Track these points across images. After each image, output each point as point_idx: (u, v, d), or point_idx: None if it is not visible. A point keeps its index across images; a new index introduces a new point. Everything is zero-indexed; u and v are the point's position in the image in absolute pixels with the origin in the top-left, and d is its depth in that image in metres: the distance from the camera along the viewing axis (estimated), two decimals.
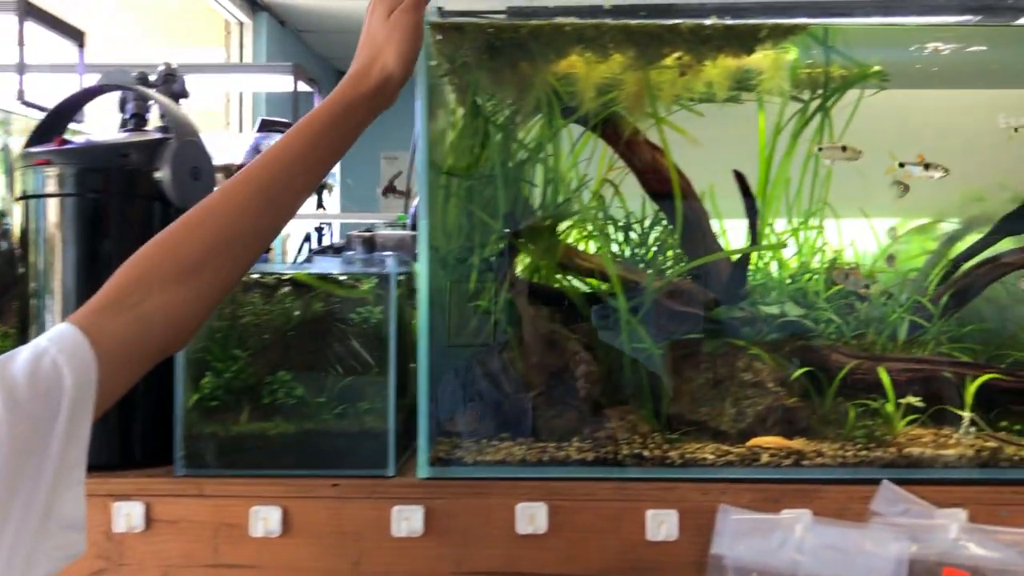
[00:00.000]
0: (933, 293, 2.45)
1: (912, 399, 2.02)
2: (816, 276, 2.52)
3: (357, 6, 2.27)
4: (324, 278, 2.08)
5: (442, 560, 1.92)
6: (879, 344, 2.32)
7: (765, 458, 1.97)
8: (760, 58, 2.17)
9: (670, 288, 2.25)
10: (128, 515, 1.94)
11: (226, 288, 1.50)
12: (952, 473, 1.94)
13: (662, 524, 1.91)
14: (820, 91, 2.49)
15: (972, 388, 2.02)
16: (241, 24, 11.24)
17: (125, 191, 2.07)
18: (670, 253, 2.48)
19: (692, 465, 1.97)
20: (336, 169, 4.12)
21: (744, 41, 1.96)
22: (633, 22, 1.93)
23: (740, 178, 2.16)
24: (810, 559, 1.74)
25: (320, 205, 3.44)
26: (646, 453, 1.99)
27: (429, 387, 1.95)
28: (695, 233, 2.42)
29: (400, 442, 2.04)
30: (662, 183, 2.39)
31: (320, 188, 3.50)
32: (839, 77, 2.44)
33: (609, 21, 1.93)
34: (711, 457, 1.98)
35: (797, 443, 2.03)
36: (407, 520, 1.92)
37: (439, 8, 2.21)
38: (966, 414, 2.00)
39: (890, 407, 2.04)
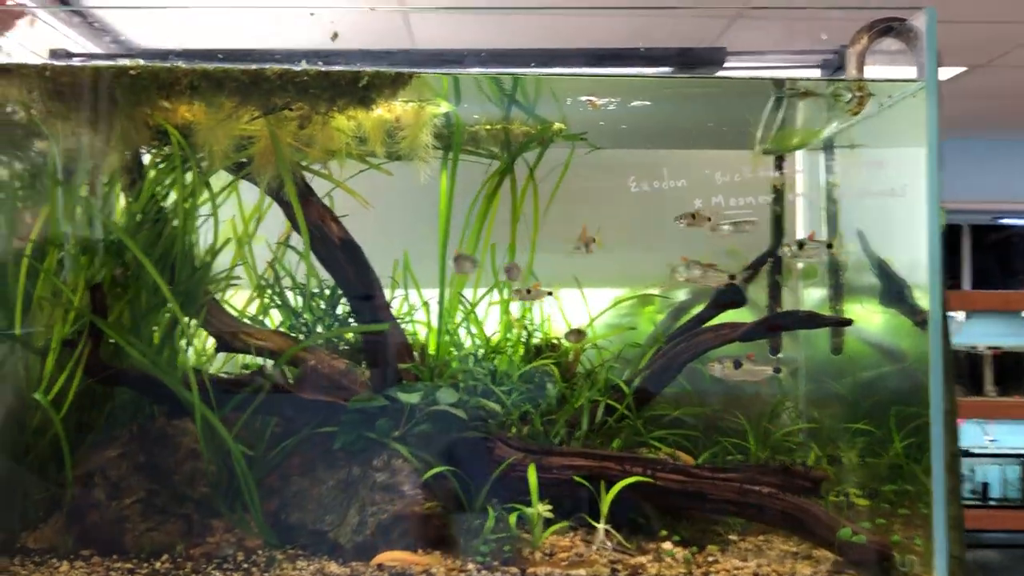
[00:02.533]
0: (631, 373, 2.20)
1: (541, 507, 1.72)
2: (499, 352, 2.25)
3: None
4: None
5: None
6: (556, 433, 2.04)
7: None
8: (401, 112, 1.90)
9: (304, 371, 1.94)
10: None
11: None
12: None
13: None
14: (503, 149, 2.26)
15: (609, 497, 1.73)
16: None
17: None
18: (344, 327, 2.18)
19: None
20: None
21: (348, 90, 1.68)
22: (211, 67, 1.64)
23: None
24: None
25: None
26: None
27: None
28: (363, 304, 2.13)
29: None
30: (328, 246, 2.10)
31: None
32: (522, 134, 2.20)
33: (182, 65, 1.64)
34: None
35: (421, 559, 1.71)
36: None
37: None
38: (601, 525, 1.71)
39: (532, 512, 1.75)
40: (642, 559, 1.71)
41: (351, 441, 1.86)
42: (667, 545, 1.79)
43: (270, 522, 1.83)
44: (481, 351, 2.23)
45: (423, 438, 1.91)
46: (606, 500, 1.73)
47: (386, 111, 1.92)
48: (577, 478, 1.80)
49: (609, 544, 1.70)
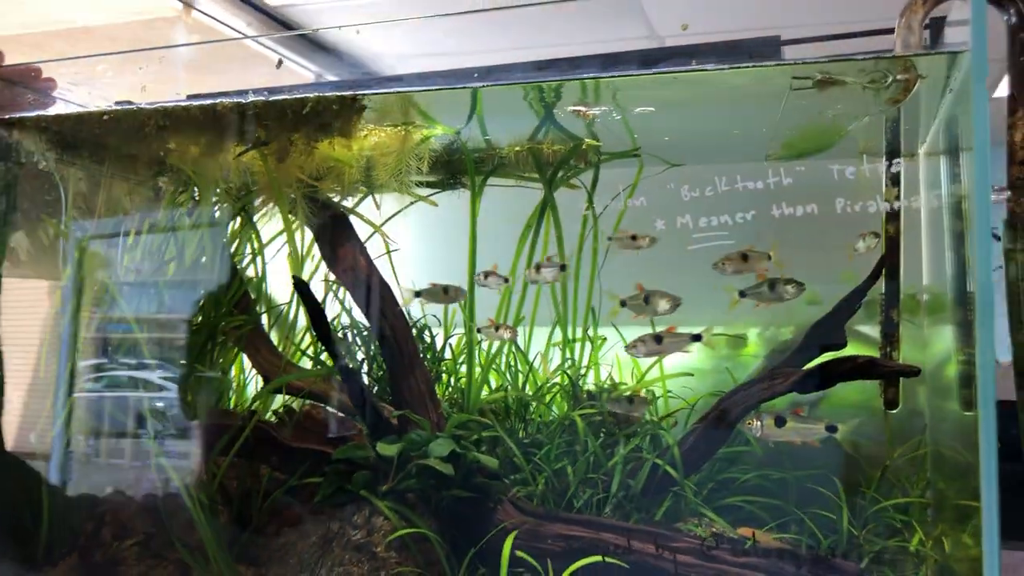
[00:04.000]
0: (690, 427, 1.84)
1: None
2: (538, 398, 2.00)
3: None
4: None
5: None
6: (573, 495, 1.75)
7: None
8: (387, 137, 1.77)
9: (298, 417, 1.85)
10: None
11: None
12: None
13: None
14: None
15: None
16: None
17: None
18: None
19: None
20: None
21: (302, 119, 1.58)
22: (170, 105, 1.63)
23: (300, 285, 1.74)
24: None
25: None
26: None
27: None
28: (391, 347, 2.00)
29: None
30: (356, 285, 2.00)
31: None
32: (554, 154, 1.97)
33: (143, 106, 1.64)
34: None
35: None
36: None
37: None
38: None
39: None
40: None
41: (330, 495, 1.73)
42: None
43: (255, 575, 1.75)
44: (512, 398, 2.00)
45: (421, 495, 1.73)
46: None
47: (385, 137, 1.80)
48: (517, 555, 1.53)
49: None
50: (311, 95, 1.55)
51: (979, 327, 1.22)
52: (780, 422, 1.58)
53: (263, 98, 1.57)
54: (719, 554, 1.50)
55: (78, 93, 1.73)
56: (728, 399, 1.79)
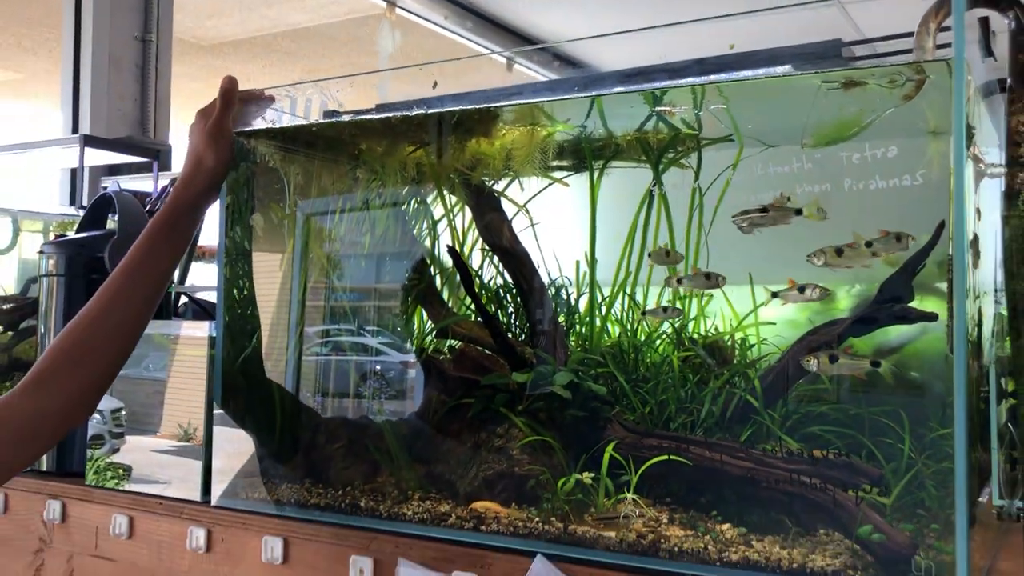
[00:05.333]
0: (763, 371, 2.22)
1: (586, 476, 1.94)
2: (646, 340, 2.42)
3: None
4: None
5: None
6: (668, 417, 2.19)
7: (452, 520, 2.05)
8: (519, 135, 2.26)
9: (459, 354, 2.39)
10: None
11: (109, 374, 1.87)
12: (611, 557, 1.84)
13: (361, 570, 2.10)
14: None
15: (640, 471, 1.88)
16: None
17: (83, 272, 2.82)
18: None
19: (396, 519, 2.12)
20: None
21: (450, 125, 2.11)
22: (360, 118, 2.20)
23: (452, 253, 2.25)
24: None
25: None
26: (362, 503, 2.18)
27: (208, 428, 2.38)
28: (530, 302, 2.50)
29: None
30: (502, 252, 2.52)
31: None
32: (659, 142, 2.37)
33: (344, 120, 2.22)
34: (409, 513, 2.11)
35: (501, 509, 2.06)
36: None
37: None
38: (630, 495, 1.88)
39: (569, 479, 1.98)
40: (678, 531, 1.85)
41: (479, 411, 2.26)
42: (725, 527, 1.88)
43: (425, 471, 2.31)
44: (626, 341, 2.45)
45: (548, 414, 2.23)
46: (635, 474, 1.90)
47: (518, 134, 2.30)
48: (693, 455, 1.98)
49: (636, 512, 1.87)
50: (456, 108, 2.07)
51: (956, 294, 1.55)
52: (833, 359, 1.94)
53: (423, 111, 2.10)
54: (773, 461, 1.90)
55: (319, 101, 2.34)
56: (800, 343, 2.16)
